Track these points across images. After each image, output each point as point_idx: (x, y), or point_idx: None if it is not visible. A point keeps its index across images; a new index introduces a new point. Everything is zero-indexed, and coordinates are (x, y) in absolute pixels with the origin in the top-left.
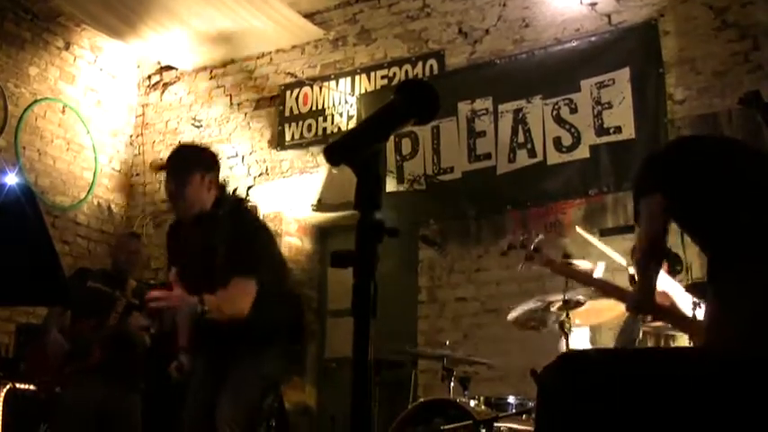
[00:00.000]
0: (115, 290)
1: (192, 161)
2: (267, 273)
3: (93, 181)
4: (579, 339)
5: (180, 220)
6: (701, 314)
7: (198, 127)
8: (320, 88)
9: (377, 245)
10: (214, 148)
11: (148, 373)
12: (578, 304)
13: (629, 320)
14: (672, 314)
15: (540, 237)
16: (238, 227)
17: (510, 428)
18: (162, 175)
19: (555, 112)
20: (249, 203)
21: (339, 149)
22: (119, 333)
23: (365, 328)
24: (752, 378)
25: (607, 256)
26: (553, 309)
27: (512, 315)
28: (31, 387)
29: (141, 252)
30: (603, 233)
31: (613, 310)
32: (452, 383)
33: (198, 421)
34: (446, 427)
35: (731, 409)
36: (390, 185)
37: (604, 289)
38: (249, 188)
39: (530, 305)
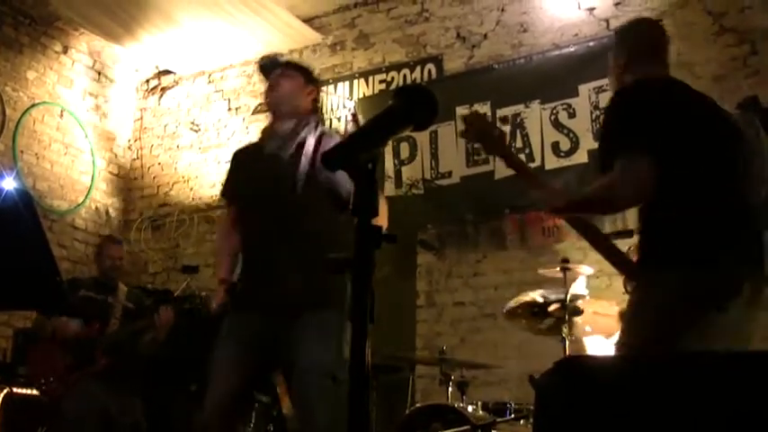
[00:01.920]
0: (107, 296)
1: (299, 66)
2: None
3: (90, 185)
4: (593, 346)
5: (271, 121)
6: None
7: (196, 131)
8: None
9: (374, 251)
10: (212, 153)
11: (153, 378)
12: (576, 311)
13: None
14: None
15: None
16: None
17: None
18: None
19: (553, 117)
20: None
21: (337, 155)
22: (120, 339)
23: (363, 333)
24: (755, 378)
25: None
26: (551, 309)
27: (509, 305)
28: (30, 391)
29: (124, 256)
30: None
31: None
32: (450, 388)
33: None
34: None
35: (733, 412)
36: (388, 190)
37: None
38: None
39: (527, 297)
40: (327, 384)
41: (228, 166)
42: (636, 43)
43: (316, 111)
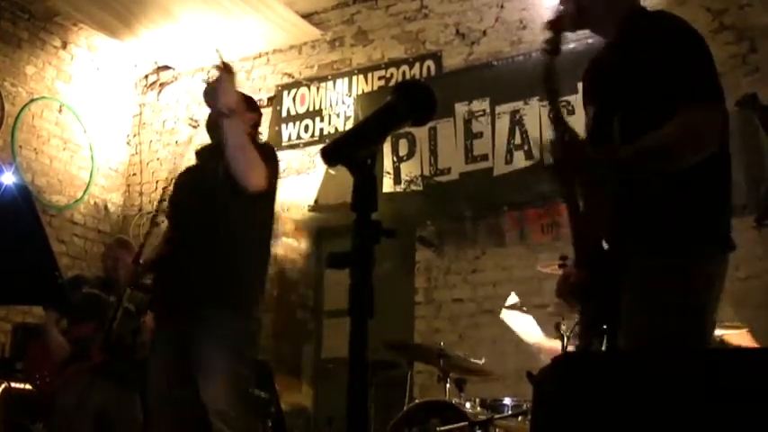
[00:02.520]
0: (110, 295)
1: (242, 94)
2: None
3: (89, 180)
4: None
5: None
6: None
7: (195, 127)
8: (317, 89)
9: (374, 246)
10: None
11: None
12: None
13: None
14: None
15: None
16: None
17: (506, 430)
18: None
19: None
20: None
21: (336, 150)
22: (119, 336)
23: (362, 328)
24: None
25: None
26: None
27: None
28: (27, 386)
29: (127, 259)
30: None
31: None
32: (448, 385)
33: (164, 406)
34: (442, 428)
35: (731, 410)
36: (387, 186)
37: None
38: None
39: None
40: (223, 383)
41: None
42: None
43: (255, 136)
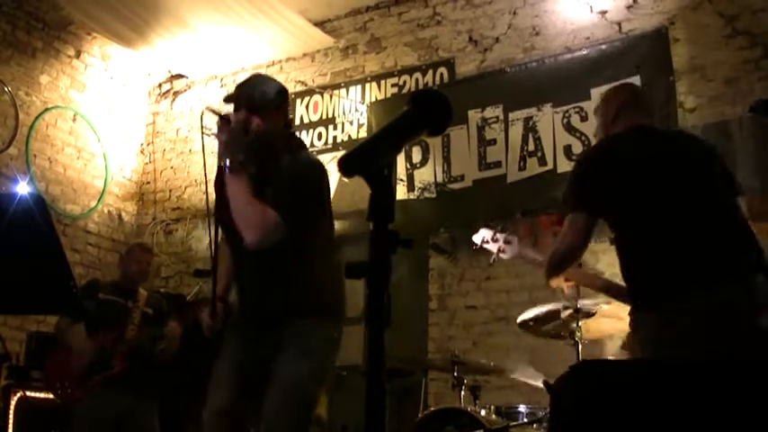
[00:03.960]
0: (128, 301)
1: (275, 94)
2: (305, 210)
3: (103, 189)
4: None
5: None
6: None
7: (209, 135)
8: (330, 96)
9: (390, 256)
10: None
11: (168, 383)
12: (590, 315)
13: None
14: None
15: (509, 232)
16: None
17: None
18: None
19: (565, 120)
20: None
21: (353, 161)
22: (138, 344)
23: (379, 339)
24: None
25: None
26: (564, 316)
27: (521, 318)
28: (43, 395)
29: (151, 264)
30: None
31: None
32: (463, 392)
33: (220, 417)
34: None
35: (744, 420)
36: (401, 193)
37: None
38: None
39: (541, 310)
40: (293, 397)
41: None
42: (622, 100)
43: (285, 137)
